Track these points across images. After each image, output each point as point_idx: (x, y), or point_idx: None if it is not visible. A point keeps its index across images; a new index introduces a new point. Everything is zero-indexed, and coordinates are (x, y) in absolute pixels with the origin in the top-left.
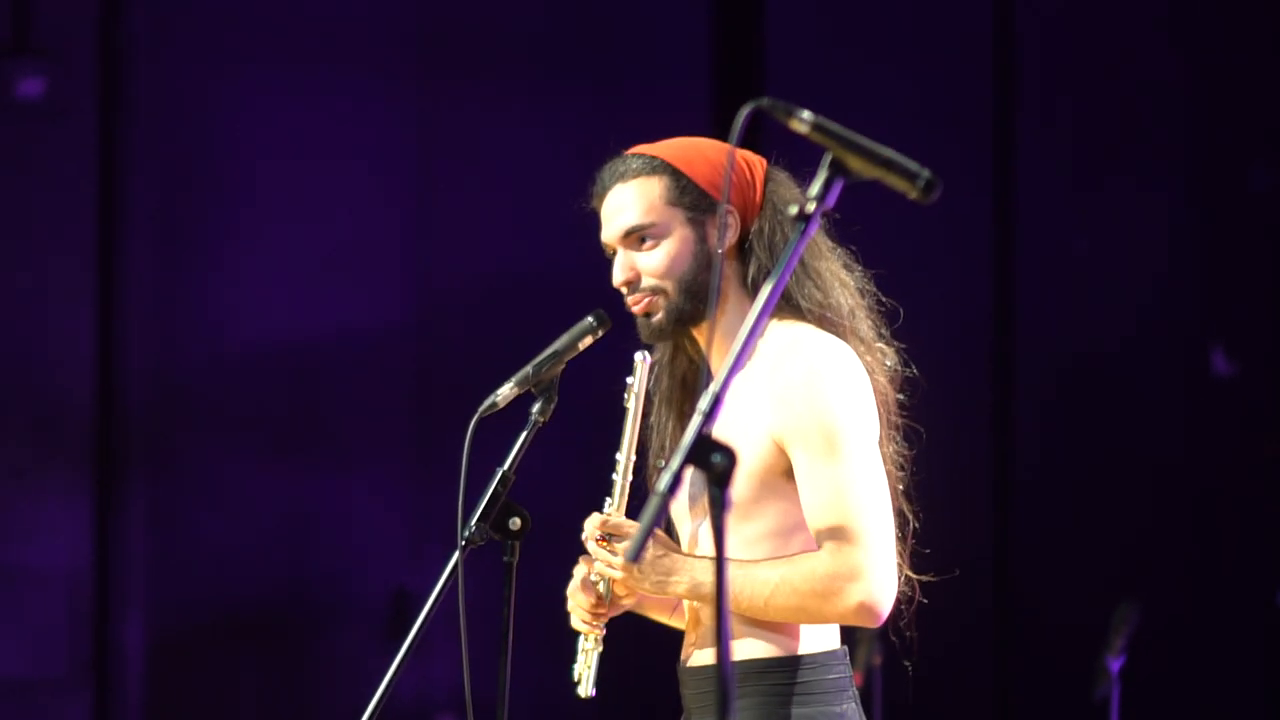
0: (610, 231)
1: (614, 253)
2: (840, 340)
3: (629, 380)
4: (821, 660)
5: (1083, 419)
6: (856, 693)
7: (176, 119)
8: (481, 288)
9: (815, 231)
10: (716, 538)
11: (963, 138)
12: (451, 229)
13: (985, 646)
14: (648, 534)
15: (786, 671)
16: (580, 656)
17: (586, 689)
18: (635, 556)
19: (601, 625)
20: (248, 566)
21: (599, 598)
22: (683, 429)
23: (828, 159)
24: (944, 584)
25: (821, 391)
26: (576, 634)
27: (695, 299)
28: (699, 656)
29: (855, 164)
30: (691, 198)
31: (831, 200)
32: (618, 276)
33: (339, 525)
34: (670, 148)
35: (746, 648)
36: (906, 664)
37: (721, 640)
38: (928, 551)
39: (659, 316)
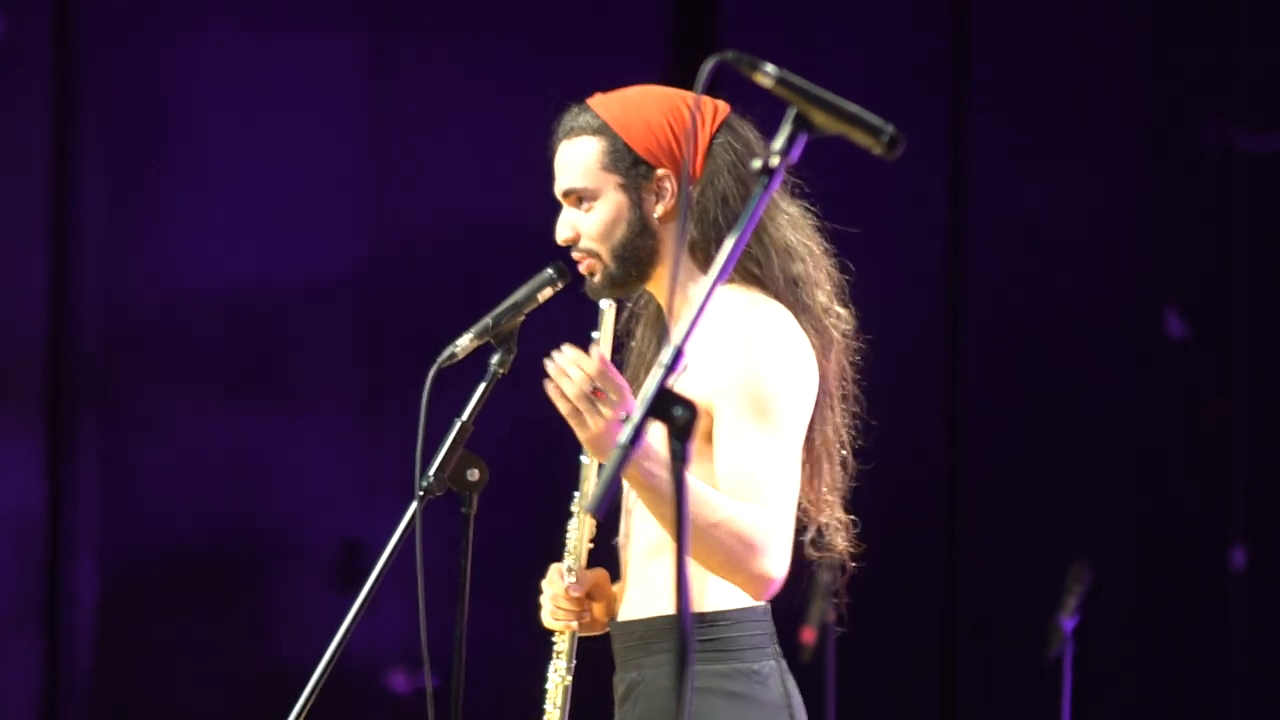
0: (557, 186)
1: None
2: (782, 308)
3: (594, 335)
4: (736, 617)
5: (1035, 377)
6: (779, 650)
7: (130, 62)
8: (436, 237)
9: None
10: (677, 490)
11: (916, 94)
12: (406, 177)
13: (935, 608)
14: (610, 486)
15: (698, 628)
16: (549, 699)
17: None
18: (596, 509)
19: (574, 618)
20: (198, 512)
21: (573, 587)
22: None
23: (791, 113)
24: (894, 541)
25: (757, 357)
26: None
27: (628, 264)
28: (625, 611)
29: (819, 119)
30: (626, 164)
31: (795, 155)
32: (560, 233)
33: (290, 473)
34: (617, 105)
35: (656, 605)
36: (840, 629)
37: (681, 591)
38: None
39: (598, 278)
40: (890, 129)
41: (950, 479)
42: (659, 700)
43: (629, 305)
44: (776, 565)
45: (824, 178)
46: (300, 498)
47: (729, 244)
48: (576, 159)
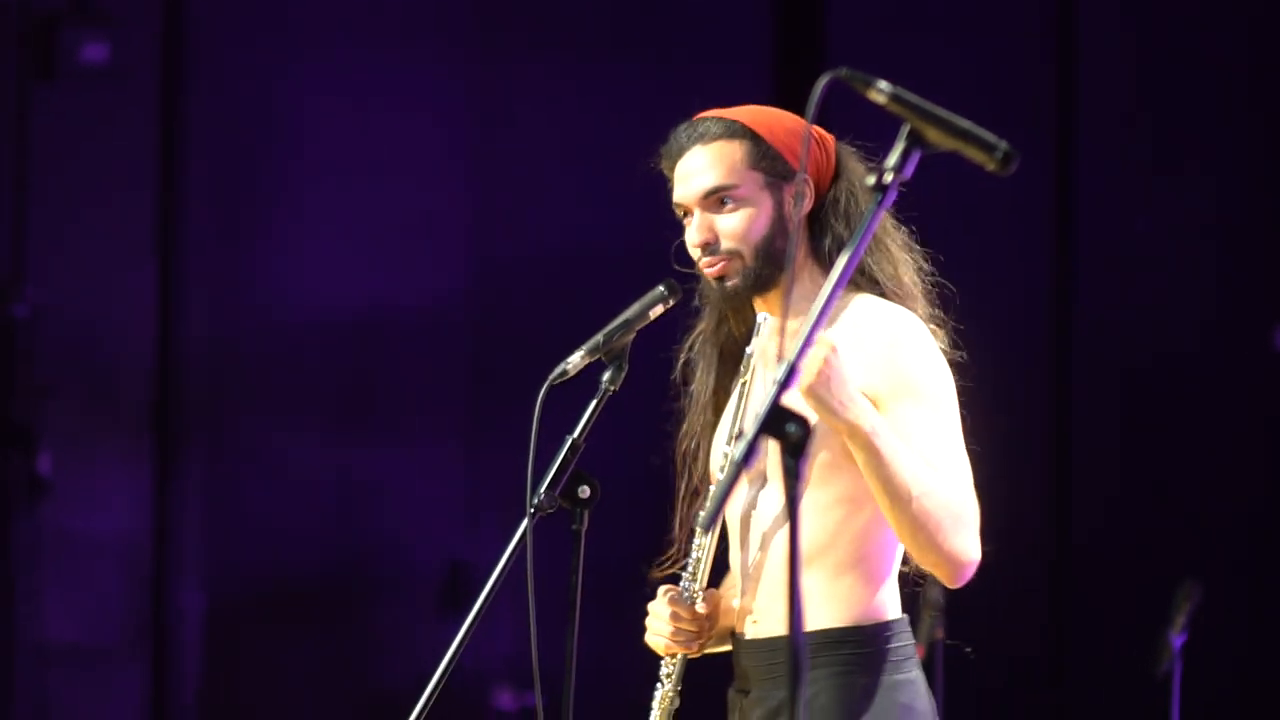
0: (688, 191)
1: (686, 214)
2: (916, 315)
3: (749, 350)
4: (889, 630)
5: (1145, 398)
6: (919, 660)
7: (237, 86)
8: (539, 260)
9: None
10: (790, 509)
11: (1023, 116)
12: (510, 200)
13: (1045, 623)
14: (722, 502)
15: (857, 642)
16: (654, 715)
17: None
18: (708, 525)
19: (694, 641)
20: (303, 537)
21: (691, 612)
22: (718, 402)
23: (905, 130)
24: (1005, 561)
25: (909, 353)
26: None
27: (771, 264)
28: (764, 628)
29: (933, 135)
30: (770, 163)
31: (909, 171)
32: (695, 237)
33: (394, 497)
34: (747, 113)
35: (815, 618)
36: (968, 650)
37: (794, 606)
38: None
39: (734, 280)
40: (1004, 145)
41: (1059, 497)
42: (829, 714)
43: (688, 352)
44: (976, 546)
45: (929, 203)
46: (404, 521)
47: (843, 258)
48: (719, 159)
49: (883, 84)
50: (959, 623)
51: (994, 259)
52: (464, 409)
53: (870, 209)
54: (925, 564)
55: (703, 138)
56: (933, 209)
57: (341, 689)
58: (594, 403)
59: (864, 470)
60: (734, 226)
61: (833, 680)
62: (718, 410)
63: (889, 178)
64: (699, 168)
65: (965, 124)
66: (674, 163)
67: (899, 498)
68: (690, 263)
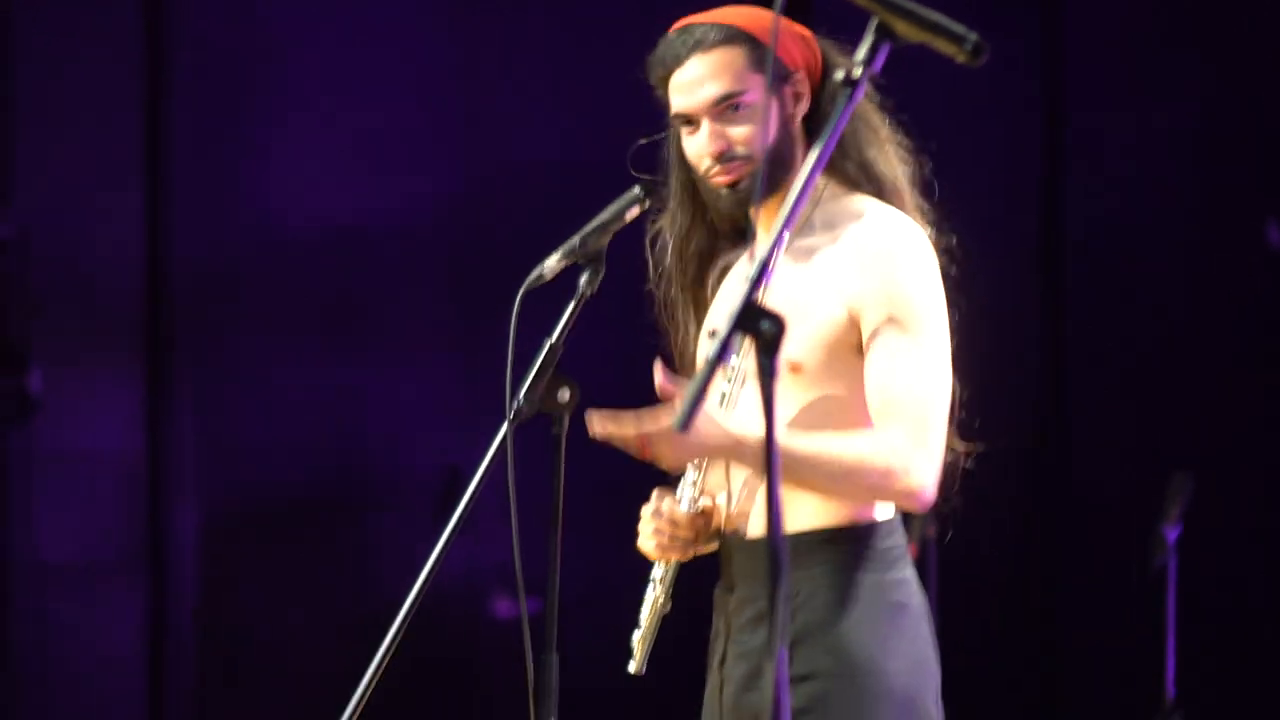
0: (694, 100)
1: (688, 123)
2: (914, 222)
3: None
4: (880, 529)
5: (1135, 289)
6: (911, 560)
7: (221, 2)
8: (523, 172)
9: (867, 101)
10: (766, 407)
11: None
12: (493, 114)
13: (1037, 517)
14: (696, 401)
15: (847, 541)
16: (644, 627)
17: (639, 664)
18: (684, 425)
19: (689, 547)
20: (297, 450)
21: (688, 517)
22: (695, 303)
23: (874, 23)
24: (996, 455)
25: (902, 266)
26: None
27: (783, 167)
28: (752, 528)
29: (901, 28)
30: (771, 66)
31: (878, 65)
32: (710, 146)
33: (387, 407)
34: (736, 15)
35: (804, 518)
36: (910, 535)
37: (772, 510)
38: (978, 423)
39: (744, 184)
40: (974, 36)
41: (1053, 390)
42: (825, 611)
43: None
44: (922, 478)
45: (918, 96)
46: (399, 431)
47: (814, 153)
48: (724, 66)
49: None
50: (950, 522)
51: (983, 154)
52: (455, 317)
53: (840, 104)
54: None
55: (700, 45)
56: (925, 105)
57: (340, 602)
58: (572, 305)
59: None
60: (745, 132)
61: (825, 580)
62: (699, 308)
63: (858, 72)
64: (703, 75)
65: (934, 16)
66: (669, 72)
67: (803, 479)
68: (648, 169)
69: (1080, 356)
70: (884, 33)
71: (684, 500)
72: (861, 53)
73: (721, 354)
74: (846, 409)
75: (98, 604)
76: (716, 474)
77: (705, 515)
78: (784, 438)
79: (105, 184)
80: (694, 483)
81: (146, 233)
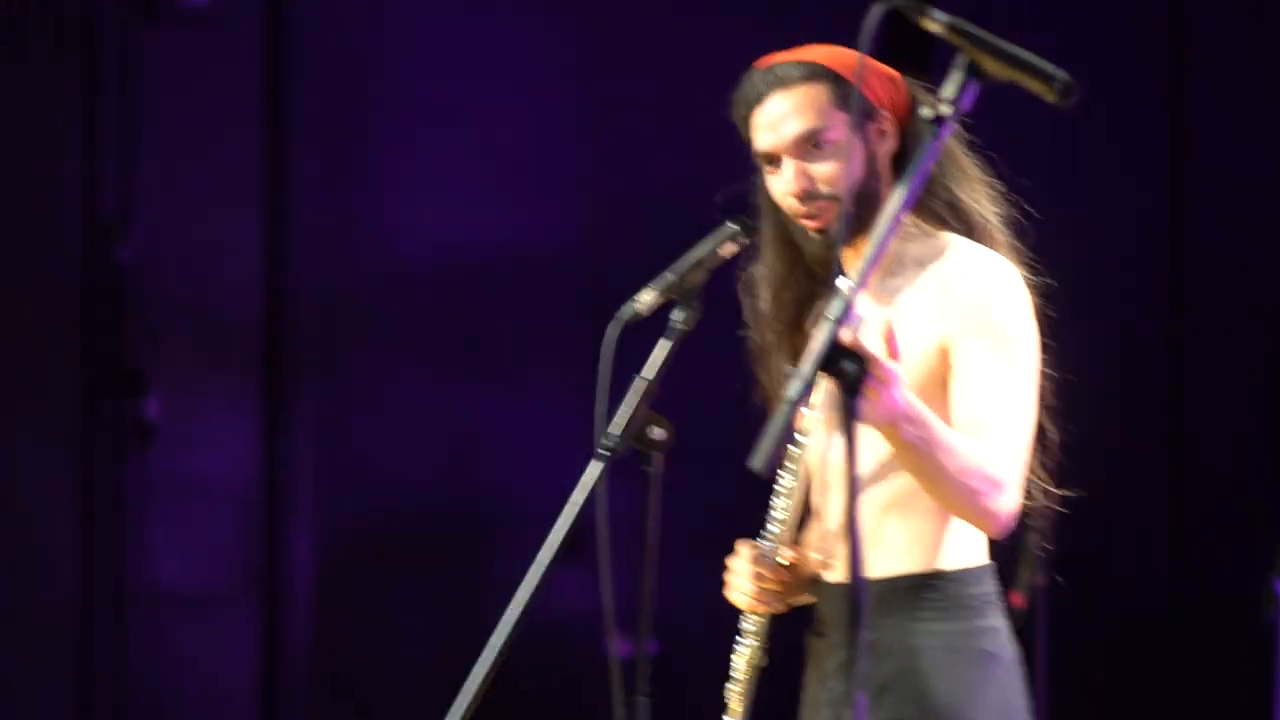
0: (777, 138)
1: (771, 162)
2: (1003, 258)
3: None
4: (977, 574)
5: (1258, 329)
6: (1004, 608)
7: (343, 27)
8: (650, 203)
9: (955, 140)
10: (848, 447)
11: (1136, 42)
12: (621, 143)
13: (1153, 569)
14: (777, 442)
15: (935, 588)
16: (737, 683)
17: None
18: (765, 466)
19: (781, 601)
20: (416, 480)
21: (775, 569)
22: (792, 348)
23: (962, 60)
24: (1113, 502)
25: (994, 294)
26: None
27: (865, 207)
28: (843, 572)
29: (990, 65)
30: (856, 103)
31: (966, 103)
32: (792, 185)
33: (508, 440)
34: (821, 54)
35: (892, 564)
36: (1058, 578)
37: (854, 552)
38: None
39: (834, 226)
40: (1063, 75)
41: (1173, 443)
42: (911, 659)
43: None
44: (1009, 501)
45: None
46: (519, 465)
47: (899, 193)
48: (807, 103)
49: (938, 14)
50: (1070, 572)
51: (1105, 188)
52: (579, 349)
53: (926, 143)
54: (962, 518)
55: (783, 82)
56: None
57: (456, 632)
58: (665, 342)
59: (906, 464)
60: (830, 171)
61: (912, 626)
62: (796, 353)
63: (946, 110)
64: (786, 113)
65: (1023, 54)
66: (751, 110)
67: (923, 461)
68: (738, 209)
69: (1199, 406)
70: (972, 70)
71: (768, 550)
72: (949, 90)
73: (803, 394)
74: None
75: (212, 631)
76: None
77: (795, 567)
78: (926, 414)
79: (226, 209)
80: (775, 534)
81: (266, 258)
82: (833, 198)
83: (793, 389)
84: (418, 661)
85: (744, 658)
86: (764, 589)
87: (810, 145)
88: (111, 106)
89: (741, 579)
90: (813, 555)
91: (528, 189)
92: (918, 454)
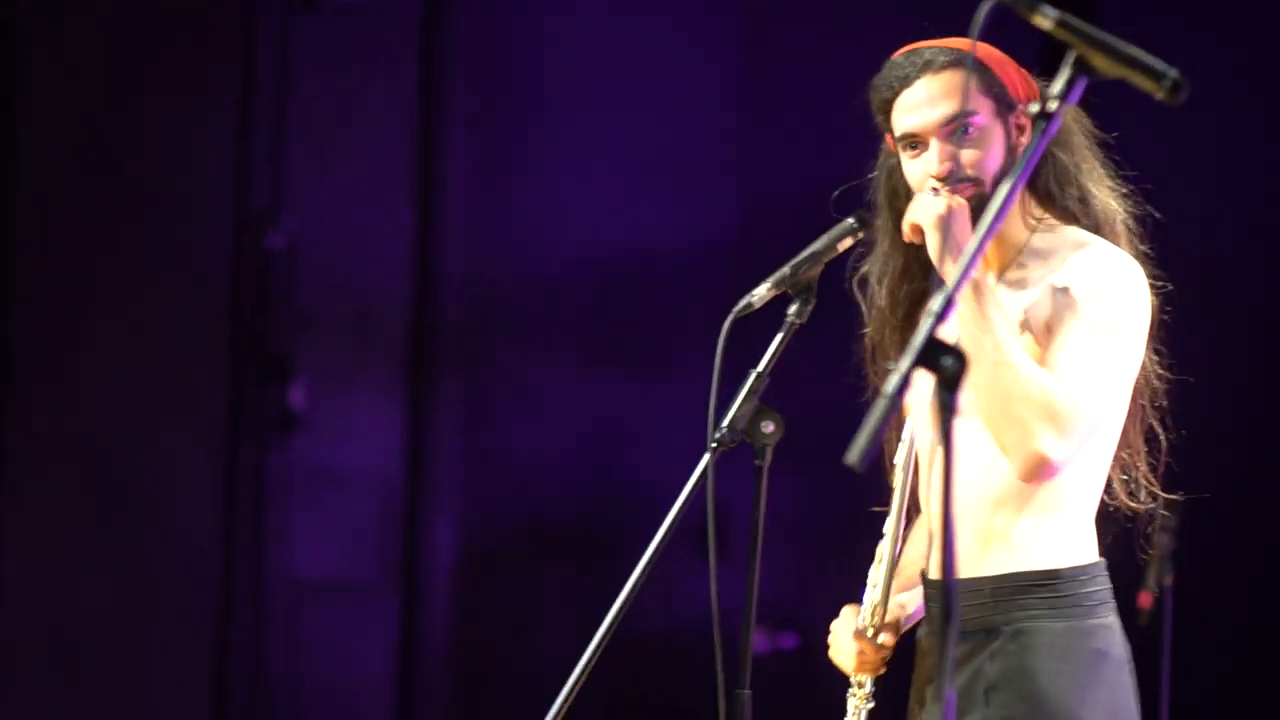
0: (924, 119)
1: (914, 145)
2: (1124, 252)
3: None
4: (1080, 574)
5: None
6: (1115, 605)
7: (498, 19)
8: (805, 200)
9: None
10: (945, 445)
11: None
12: (779, 141)
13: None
14: (873, 437)
15: (1047, 586)
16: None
17: None
18: (861, 463)
19: (879, 668)
20: (559, 475)
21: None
22: (907, 345)
23: (1071, 56)
24: (1251, 510)
25: (1107, 289)
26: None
27: None
28: (961, 567)
29: (1099, 62)
30: (998, 91)
31: (1074, 98)
32: (938, 167)
33: (653, 435)
34: (963, 42)
35: (1009, 561)
36: (1149, 584)
37: (947, 550)
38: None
39: (976, 205)
40: (1174, 73)
41: None
42: (1023, 657)
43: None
44: (1059, 451)
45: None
46: (663, 460)
47: (1005, 185)
48: (954, 86)
49: (1049, 9)
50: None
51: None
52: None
53: (1035, 137)
54: (1000, 445)
55: (930, 65)
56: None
57: (594, 631)
58: (779, 336)
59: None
60: (975, 155)
61: (1024, 624)
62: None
63: (1054, 105)
64: (934, 95)
65: (1133, 50)
66: (896, 93)
67: (980, 357)
68: (852, 207)
69: None
70: (1081, 66)
71: (864, 625)
72: (1057, 86)
73: (901, 389)
74: None
75: (352, 621)
76: (921, 518)
77: (893, 634)
78: (1002, 310)
79: (377, 198)
80: (871, 607)
81: (417, 248)
82: (977, 180)
83: (890, 383)
84: (556, 655)
85: (853, 710)
86: (864, 660)
87: (957, 128)
88: (266, 95)
89: (842, 646)
90: (903, 612)
91: (681, 184)
92: (980, 343)
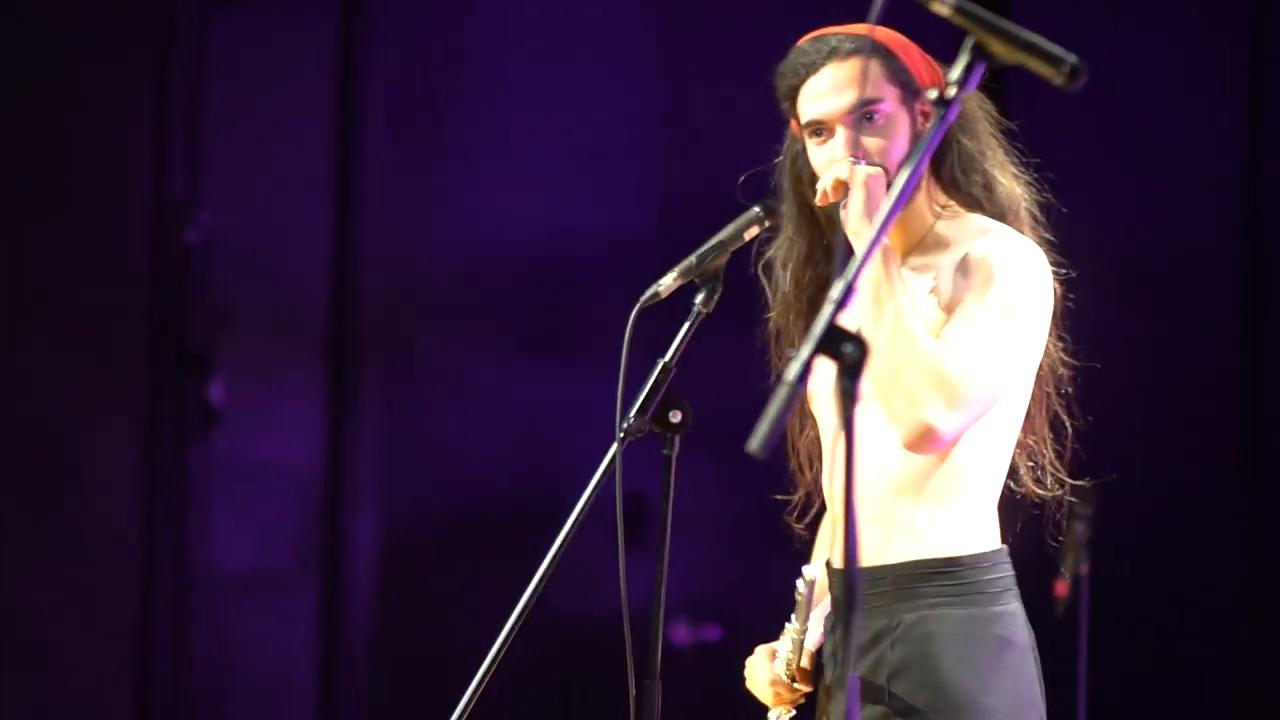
0: (830, 107)
1: (818, 133)
2: (1028, 239)
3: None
4: (981, 561)
5: None
6: (1018, 592)
7: (417, 11)
8: (728, 192)
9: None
10: (846, 432)
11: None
12: (698, 130)
13: (1208, 559)
14: (775, 425)
15: (949, 573)
16: None
17: None
18: (763, 449)
19: (796, 702)
20: (479, 466)
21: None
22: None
23: (969, 43)
24: (1183, 501)
25: (1005, 263)
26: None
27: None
28: (866, 555)
29: (997, 48)
30: (904, 79)
31: (973, 85)
32: (844, 154)
33: (576, 427)
34: (867, 28)
35: (911, 548)
36: (1064, 572)
37: (849, 540)
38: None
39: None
40: (1072, 59)
41: (1245, 438)
42: (925, 645)
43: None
44: (946, 418)
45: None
46: (583, 451)
47: (904, 172)
48: (860, 73)
49: None
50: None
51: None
52: (650, 334)
53: (934, 124)
54: (889, 411)
55: (836, 53)
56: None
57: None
58: (686, 325)
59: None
60: (881, 143)
61: (925, 612)
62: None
63: (952, 92)
64: (839, 82)
65: (1031, 36)
66: (801, 80)
67: (879, 321)
68: (758, 195)
69: (1274, 394)
70: (979, 52)
71: (781, 671)
72: (955, 72)
73: (802, 376)
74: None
75: (274, 614)
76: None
77: (807, 679)
78: (903, 286)
79: (295, 190)
80: (789, 658)
81: (336, 241)
82: (883, 167)
83: (791, 371)
84: (478, 646)
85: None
86: (779, 695)
87: (863, 116)
88: (183, 88)
89: (759, 689)
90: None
91: (603, 176)
92: (882, 307)
